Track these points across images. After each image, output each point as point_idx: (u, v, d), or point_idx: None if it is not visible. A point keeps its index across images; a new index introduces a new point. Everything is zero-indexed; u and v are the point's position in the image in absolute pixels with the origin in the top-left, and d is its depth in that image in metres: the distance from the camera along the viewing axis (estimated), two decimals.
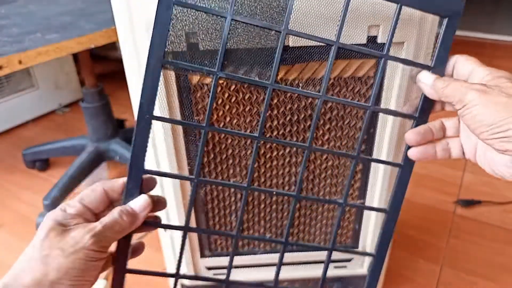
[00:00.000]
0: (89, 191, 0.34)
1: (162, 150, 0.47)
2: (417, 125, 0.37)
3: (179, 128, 0.46)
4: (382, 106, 0.46)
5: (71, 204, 0.33)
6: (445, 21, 0.35)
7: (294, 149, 0.49)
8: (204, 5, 0.36)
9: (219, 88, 0.44)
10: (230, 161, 0.49)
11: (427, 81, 0.35)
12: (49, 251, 0.29)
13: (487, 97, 0.30)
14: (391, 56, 0.36)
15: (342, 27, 0.35)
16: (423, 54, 0.42)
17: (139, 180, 0.35)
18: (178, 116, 0.45)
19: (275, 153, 0.49)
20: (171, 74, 0.42)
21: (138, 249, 0.37)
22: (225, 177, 0.51)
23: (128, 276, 0.36)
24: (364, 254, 0.51)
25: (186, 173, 0.49)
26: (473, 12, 2.56)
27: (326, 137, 0.48)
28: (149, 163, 0.48)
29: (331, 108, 0.46)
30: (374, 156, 0.50)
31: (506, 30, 2.19)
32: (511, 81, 0.31)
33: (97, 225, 0.31)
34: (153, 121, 0.34)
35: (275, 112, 0.45)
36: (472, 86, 0.31)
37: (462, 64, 0.34)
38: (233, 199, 0.52)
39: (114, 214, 0.33)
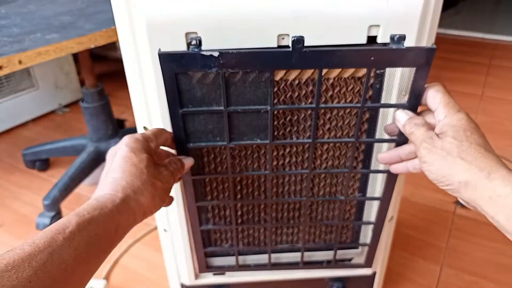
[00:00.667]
0: (160, 133, 0.43)
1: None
2: (398, 146, 0.44)
3: None
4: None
5: (152, 139, 0.41)
6: (414, 70, 0.38)
7: (294, 149, 0.49)
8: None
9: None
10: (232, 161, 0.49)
11: (400, 121, 0.41)
12: (154, 179, 0.39)
13: (432, 156, 0.37)
14: (368, 105, 0.44)
15: (319, 95, 0.41)
16: None
17: (185, 147, 0.46)
18: None
19: (275, 153, 0.49)
20: None
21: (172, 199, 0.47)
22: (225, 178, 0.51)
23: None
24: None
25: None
26: (473, 12, 2.56)
27: (326, 137, 0.48)
28: None
29: (331, 108, 0.46)
30: (373, 158, 0.50)
31: (506, 30, 2.19)
32: (455, 133, 0.37)
33: (174, 172, 0.42)
34: None
35: (275, 112, 0.45)
36: (423, 144, 0.38)
37: (431, 99, 0.40)
38: (233, 199, 0.52)
39: (178, 165, 0.43)
